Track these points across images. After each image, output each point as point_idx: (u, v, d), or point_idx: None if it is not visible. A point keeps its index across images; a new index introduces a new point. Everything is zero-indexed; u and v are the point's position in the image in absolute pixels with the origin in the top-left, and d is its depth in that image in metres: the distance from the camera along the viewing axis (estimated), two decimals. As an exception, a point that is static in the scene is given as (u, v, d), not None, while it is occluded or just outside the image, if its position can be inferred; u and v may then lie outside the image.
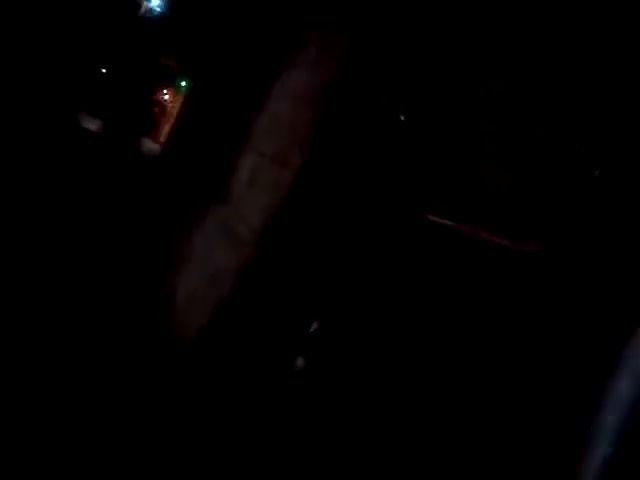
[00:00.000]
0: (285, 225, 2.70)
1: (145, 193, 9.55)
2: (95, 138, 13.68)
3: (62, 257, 4.78)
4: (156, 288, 4.23)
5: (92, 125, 15.57)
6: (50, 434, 2.40)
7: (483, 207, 1.80)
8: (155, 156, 16.35)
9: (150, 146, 18.55)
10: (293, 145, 2.95)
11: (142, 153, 15.04)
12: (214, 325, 2.70)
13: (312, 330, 2.50)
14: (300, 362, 2.44)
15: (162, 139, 17.04)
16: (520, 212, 1.91)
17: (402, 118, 2.35)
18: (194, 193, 5.74)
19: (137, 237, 6.33)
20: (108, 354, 3.13)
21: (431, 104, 2.30)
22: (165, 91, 24.43)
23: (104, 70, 19.60)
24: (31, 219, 5.43)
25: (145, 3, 13.30)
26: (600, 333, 2.13)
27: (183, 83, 19.65)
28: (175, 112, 19.31)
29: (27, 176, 7.15)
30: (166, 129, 18.05)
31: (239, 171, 4.26)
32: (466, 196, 1.80)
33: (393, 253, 2.28)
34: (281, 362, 2.46)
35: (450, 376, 2.24)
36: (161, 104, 24.14)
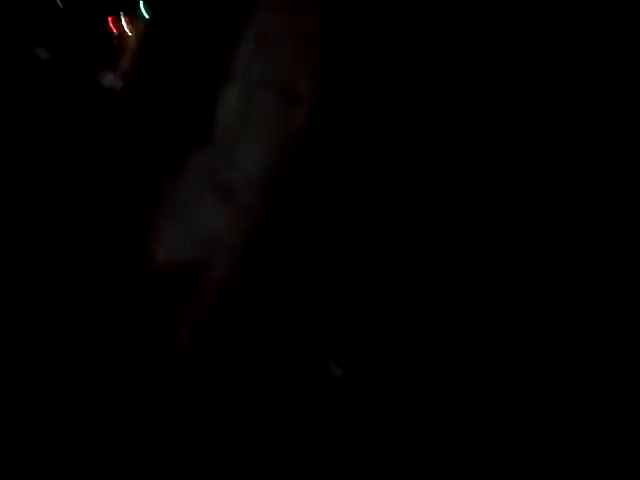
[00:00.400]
0: (298, 177, 1.99)
1: (109, 132, 8.67)
2: (47, 67, 12.65)
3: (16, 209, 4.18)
4: (129, 259, 3.55)
5: (43, 54, 14.43)
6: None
7: None
8: (117, 90, 15.32)
9: (111, 79, 17.40)
10: (300, 68, 2.22)
11: (102, 86, 14.01)
12: (212, 319, 2.05)
13: (350, 327, 1.89)
14: (337, 371, 1.83)
15: (124, 71, 15.87)
16: None
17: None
18: (167, 132, 4.96)
19: (103, 186, 5.58)
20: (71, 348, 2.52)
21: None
22: (123, 20, 22.88)
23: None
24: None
25: None
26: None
27: (142, 9, 18.22)
28: (136, 42, 18.11)
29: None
30: (128, 60, 16.83)
31: (223, 105, 3.52)
32: None
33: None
34: (308, 371, 1.83)
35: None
36: (120, 34, 22.65)
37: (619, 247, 1.61)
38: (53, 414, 2.22)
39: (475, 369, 1.81)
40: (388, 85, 1.90)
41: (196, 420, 2.05)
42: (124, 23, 22.28)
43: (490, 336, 1.82)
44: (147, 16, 15.65)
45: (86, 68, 12.73)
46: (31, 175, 5.07)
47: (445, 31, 1.90)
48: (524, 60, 1.93)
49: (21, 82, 10.13)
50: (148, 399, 2.30)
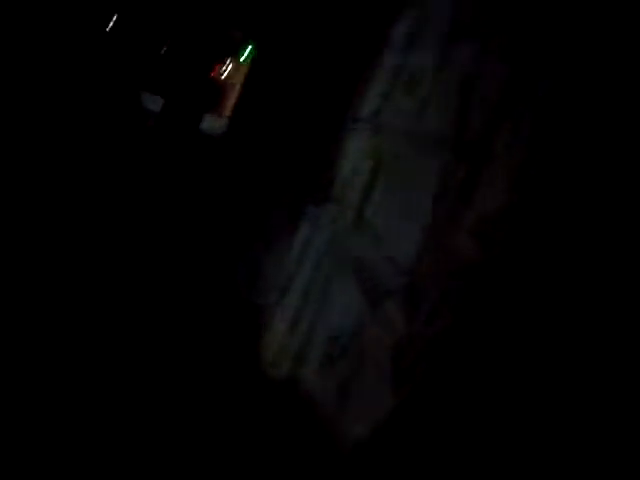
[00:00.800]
0: (493, 273, 1.39)
1: (212, 181, 8.46)
2: (156, 118, 12.94)
3: (117, 250, 4.12)
4: (234, 330, 3.07)
5: (154, 105, 14.75)
6: None
7: None
8: (220, 134, 15.45)
9: (214, 123, 17.62)
10: (476, 114, 1.64)
11: (204, 131, 14.10)
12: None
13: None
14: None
15: (227, 114, 16.06)
16: None
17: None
18: (275, 183, 4.51)
19: (207, 242, 5.21)
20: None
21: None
22: (227, 63, 23.47)
23: (165, 46, 18.83)
24: (90, 206, 4.79)
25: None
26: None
27: (246, 53, 18.50)
28: (238, 85, 18.35)
29: (87, 163, 6.63)
30: (231, 103, 17.11)
31: (346, 157, 2.99)
32: None
33: None
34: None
35: None
36: (223, 77, 23.22)
37: None
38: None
39: None
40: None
41: None
42: (229, 67, 22.78)
43: None
44: (249, 58, 15.72)
45: (191, 113, 12.86)
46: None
47: None
48: None
49: (128, 128, 10.31)
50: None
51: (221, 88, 23.16)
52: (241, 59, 20.90)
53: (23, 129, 6.42)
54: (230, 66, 23.88)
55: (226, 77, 23.86)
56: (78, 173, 5.88)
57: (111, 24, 13.59)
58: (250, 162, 5.96)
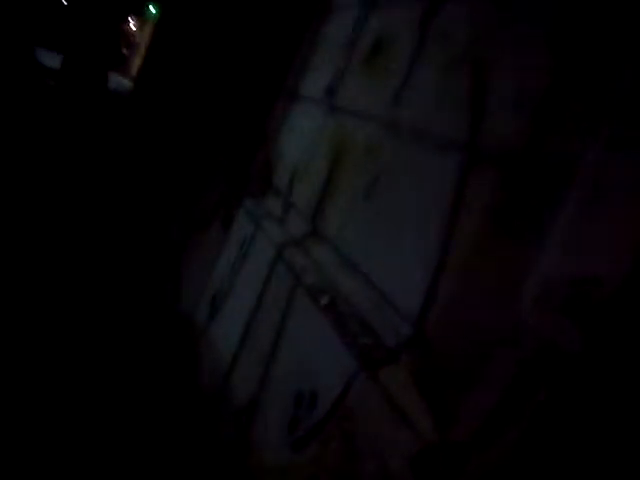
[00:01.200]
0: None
1: (121, 149, 7.66)
2: (56, 77, 11.81)
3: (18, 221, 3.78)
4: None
5: (52, 62, 13.54)
6: None
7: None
8: (126, 93, 14.51)
9: (120, 81, 16.65)
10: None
11: (110, 89, 13.12)
12: None
13: None
14: None
15: (134, 73, 15.03)
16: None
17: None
18: (198, 158, 3.92)
19: (114, 221, 4.60)
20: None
21: None
22: (131, 20, 22.10)
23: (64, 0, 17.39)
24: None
25: None
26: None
27: (152, 9, 17.32)
28: (145, 42, 17.35)
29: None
30: (137, 62, 16.04)
31: (288, 138, 2.49)
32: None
33: None
34: None
35: None
36: (128, 34, 21.83)
37: None
38: None
39: None
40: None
41: None
42: (132, 25, 21.42)
43: None
44: (156, 14, 14.65)
45: (95, 72, 11.83)
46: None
47: None
48: None
49: (26, 88, 9.30)
50: None
51: (127, 48, 21.70)
52: (146, 17, 19.52)
53: None
54: (135, 25, 22.41)
55: (132, 36, 22.39)
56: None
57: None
58: (165, 129, 5.27)
